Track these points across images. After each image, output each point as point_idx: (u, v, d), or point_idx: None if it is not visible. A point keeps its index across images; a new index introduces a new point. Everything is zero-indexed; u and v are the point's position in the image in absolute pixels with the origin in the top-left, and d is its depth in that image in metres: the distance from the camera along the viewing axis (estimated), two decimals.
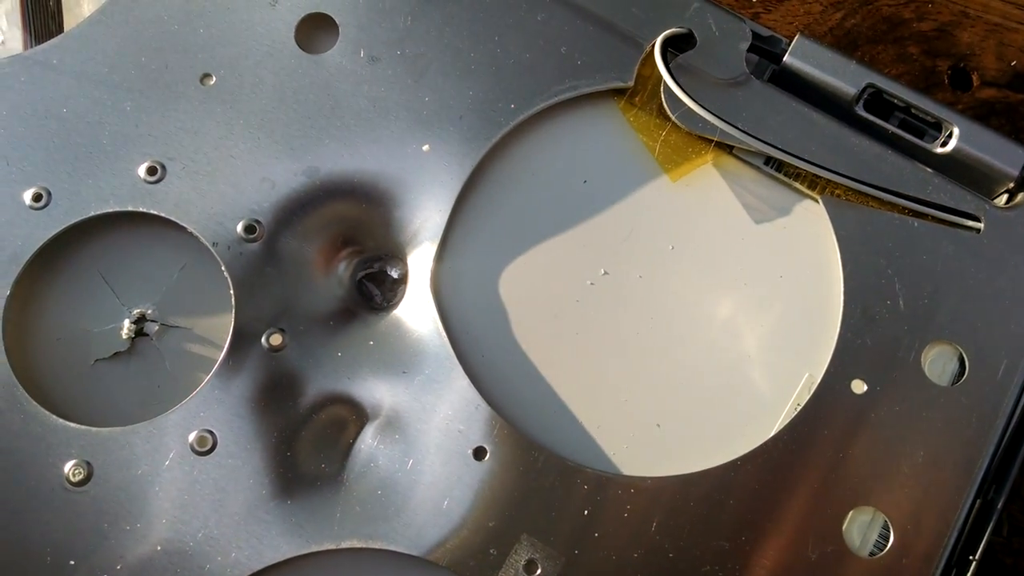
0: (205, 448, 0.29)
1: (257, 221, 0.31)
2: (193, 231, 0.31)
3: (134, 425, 0.30)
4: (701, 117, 0.31)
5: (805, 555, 0.28)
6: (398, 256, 0.32)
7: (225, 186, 0.31)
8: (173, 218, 0.31)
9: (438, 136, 0.32)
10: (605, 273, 0.32)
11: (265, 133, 0.31)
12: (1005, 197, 0.32)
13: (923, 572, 0.28)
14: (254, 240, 0.31)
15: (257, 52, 0.32)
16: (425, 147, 0.31)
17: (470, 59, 0.32)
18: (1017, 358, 0.30)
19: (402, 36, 0.32)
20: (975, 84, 0.41)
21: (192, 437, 0.29)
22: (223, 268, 0.30)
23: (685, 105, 0.31)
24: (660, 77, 0.32)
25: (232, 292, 0.30)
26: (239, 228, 0.31)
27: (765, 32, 0.34)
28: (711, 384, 0.31)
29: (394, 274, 0.32)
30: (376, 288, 0.33)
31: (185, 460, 0.29)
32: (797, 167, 0.31)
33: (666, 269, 0.32)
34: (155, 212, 0.31)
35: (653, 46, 0.32)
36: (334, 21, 0.32)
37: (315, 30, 0.32)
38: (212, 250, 0.31)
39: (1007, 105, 0.40)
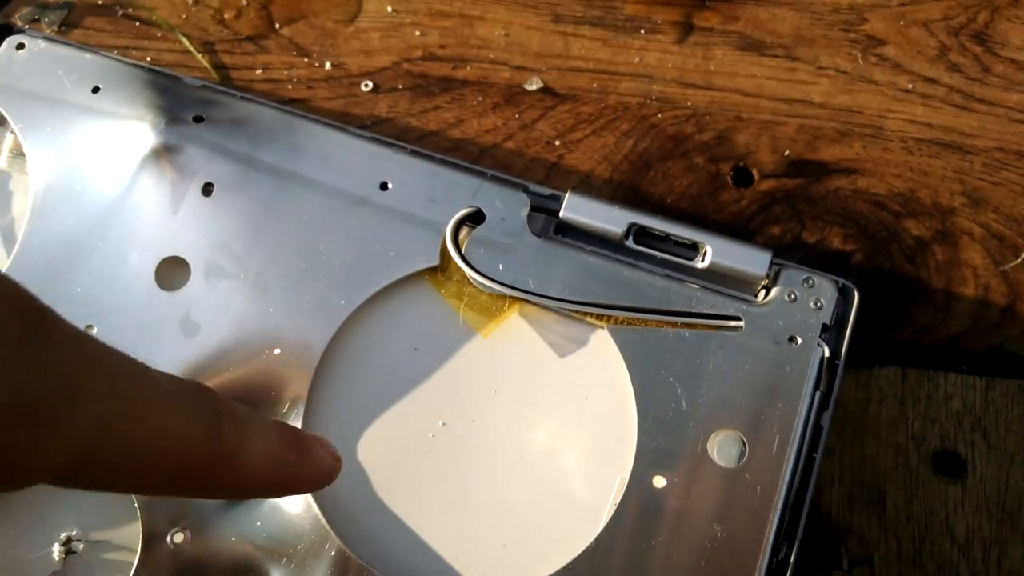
0: None
1: None
2: None
3: None
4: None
5: None
6: None
7: None
8: None
9: (286, 339, 0.38)
10: (443, 424, 0.38)
11: None
12: (763, 293, 0.39)
13: None
14: None
15: (126, 298, 0.39)
16: (276, 351, 0.38)
17: (302, 269, 0.39)
18: (787, 432, 0.36)
19: (242, 262, 0.39)
20: (756, 179, 0.47)
21: None
22: None
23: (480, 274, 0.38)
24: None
25: (136, 503, 0.36)
26: None
27: (546, 192, 0.41)
28: (542, 501, 0.37)
29: None
30: None
31: None
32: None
33: (493, 411, 0.38)
34: None
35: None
36: (185, 260, 0.39)
37: (171, 270, 0.39)
38: None
39: (785, 192, 0.47)
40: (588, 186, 0.47)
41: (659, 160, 0.48)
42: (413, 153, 0.40)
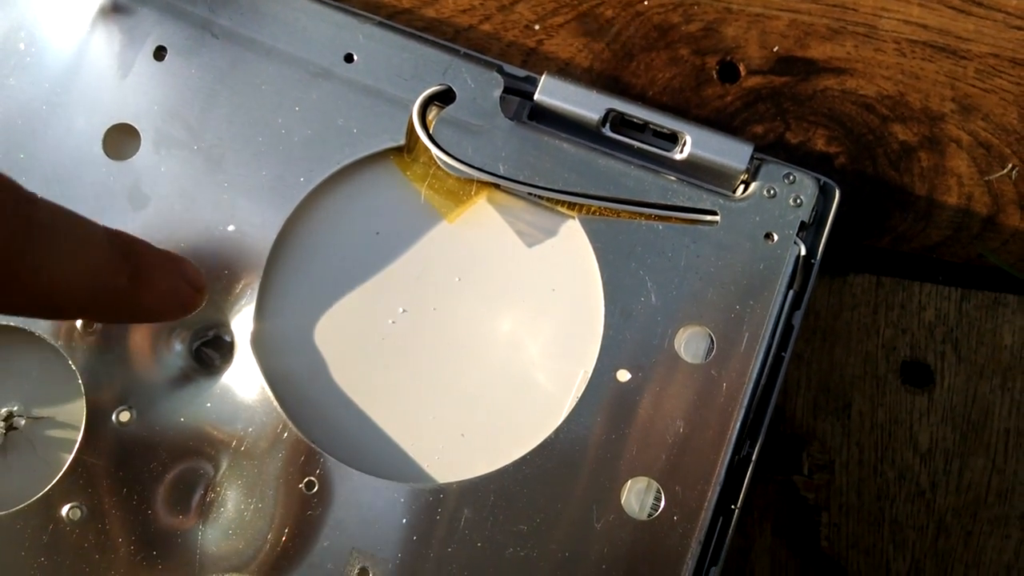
0: (77, 519, 0.34)
1: None
2: (41, 334, 0.35)
3: (15, 508, 0.34)
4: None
5: (591, 525, 0.34)
6: (226, 324, 0.37)
7: None
8: (24, 326, 0.35)
9: (240, 216, 0.36)
10: (404, 311, 0.36)
11: None
12: (741, 188, 0.37)
13: (691, 524, 0.33)
14: (93, 333, 0.35)
15: (71, 167, 0.36)
16: (230, 227, 0.36)
17: (259, 143, 0.37)
18: (757, 329, 0.35)
19: (195, 132, 0.36)
20: (742, 75, 0.45)
21: (65, 511, 0.34)
22: (70, 362, 0.35)
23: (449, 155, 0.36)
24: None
25: (81, 381, 0.35)
26: (79, 324, 0.35)
27: (521, 74, 0.38)
28: (504, 391, 0.36)
29: (227, 338, 0.37)
30: (215, 352, 0.37)
31: (62, 532, 0.34)
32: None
33: (456, 299, 0.36)
34: (6, 323, 0.35)
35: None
36: (134, 128, 0.37)
37: (120, 138, 0.37)
38: (58, 348, 0.35)
39: (772, 89, 0.45)
40: (567, 75, 0.45)
41: (642, 51, 0.46)
42: (382, 25, 0.38)
